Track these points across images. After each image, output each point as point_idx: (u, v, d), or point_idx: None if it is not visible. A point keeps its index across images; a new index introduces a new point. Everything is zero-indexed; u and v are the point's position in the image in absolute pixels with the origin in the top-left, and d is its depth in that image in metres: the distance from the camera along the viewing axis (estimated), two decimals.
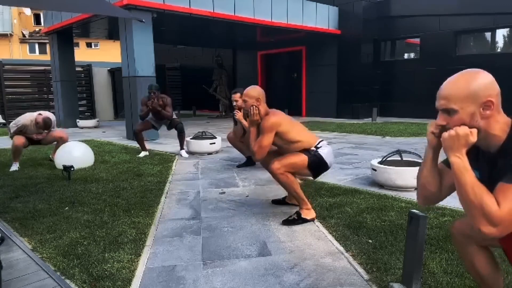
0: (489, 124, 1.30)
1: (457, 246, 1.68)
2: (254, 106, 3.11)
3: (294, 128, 3.15)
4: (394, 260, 2.35)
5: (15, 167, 5.28)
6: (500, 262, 1.65)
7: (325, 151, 3.12)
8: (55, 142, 5.71)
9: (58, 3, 3.49)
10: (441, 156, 1.48)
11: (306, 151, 3.09)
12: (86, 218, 3.24)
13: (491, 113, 1.29)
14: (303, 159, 3.05)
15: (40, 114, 5.31)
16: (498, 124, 1.30)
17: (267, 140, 3.03)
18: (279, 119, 3.08)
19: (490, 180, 1.30)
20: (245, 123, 4.72)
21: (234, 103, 5.01)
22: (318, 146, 3.13)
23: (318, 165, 3.10)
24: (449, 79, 1.36)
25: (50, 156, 5.82)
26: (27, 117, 5.33)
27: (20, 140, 5.28)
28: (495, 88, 1.30)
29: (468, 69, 1.35)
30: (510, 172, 1.22)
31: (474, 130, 1.28)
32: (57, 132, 5.68)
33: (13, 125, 5.32)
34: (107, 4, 3.88)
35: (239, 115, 4.80)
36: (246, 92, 3.20)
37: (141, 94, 7.60)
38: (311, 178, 3.46)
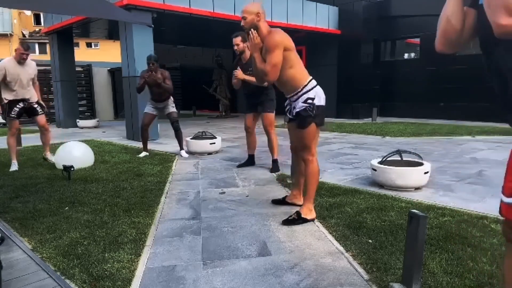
0: None
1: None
2: (253, 30, 2.99)
3: (295, 52, 3.07)
4: (394, 260, 2.35)
5: (14, 167, 5.28)
6: (500, 263, 1.64)
7: (320, 98, 3.04)
8: (44, 142, 5.80)
9: (64, 6, 3.47)
10: None
11: (309, 117, 2.99)
12: (86, 218, 3.24)
13: None
14: (312, 130, 3.03)
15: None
16: None
17: (278, 57, 2.93)
18: (284, 35, 3.01)
19: None
20: (248, 78, 4.63)
21: (235, 48, 4.82)
22: (307, 87, 3.02)
23: (321, 118, 3.07)
24: None
25: (44, 155, 5.81)
26: (4, 60, 5.29)
27: (14, 125, 5.34)
28: None
29: None
30: None
31: None
32: (43, 119, 5.65)
33: None
34: (115, 8, 3.87)
35: (240, 74, 4.72)
36: (244, 8, 3.05)
37: (141, 94, 7.59)
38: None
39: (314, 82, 3.10)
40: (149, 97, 6.12)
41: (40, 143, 7.57)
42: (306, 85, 3.04)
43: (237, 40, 4.75)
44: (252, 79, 4.26)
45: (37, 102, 5.56)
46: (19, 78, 5.24)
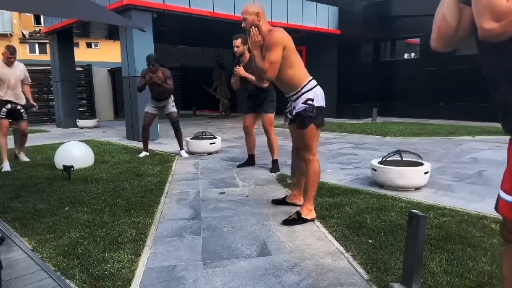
0: None
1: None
2: (253, 27, 2.99)
3: (295, 52, 3.07)
4: (394, 260, 2.35)
5: (6, 166, 5.27)
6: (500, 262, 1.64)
7: (318, 100, 3.03)
8: (19, 143, 5.86)
9: (60, 10, 3.49)
10: None
11: (309, 118, 2.99)
12: (86, 218, 3.24)
13: None
14: (312, 131, 3.03)
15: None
16: None
17: (277, 54, 2.92)
18: (285, 35, 3.01)
19: None
20: (250, 76, 4.60)
21: (236, 49, 4.83)
22: (307, 87, 3.02)
23: (321, 119, 3.08)
24: None
25: (16, 153, 5.89)
26: None
27: (4, 124, 5.36)
28: None
29: None
30: None
31: None
32: (25, 124, 5.70)
33: None
34: (109, 12, 3.90)
35: (241, 70, 4.69)
36: (244, 9, 3.05)
37: (141, 94, 7.59)
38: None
39: (314, 82, 3.09)
40: (150, 96, 6.13)
41: (38, 143, 7.60)
42: (305, 85, 3.04)
43: (237, 42, 4.77)
44: (253, 77, 4.26)
45: (24, 106, 5.62)
46: (8, 79, 5.32)
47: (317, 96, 3.04)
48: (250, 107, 5.06)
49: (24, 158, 5.89)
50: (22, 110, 5.60)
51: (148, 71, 5.82)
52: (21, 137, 5.83)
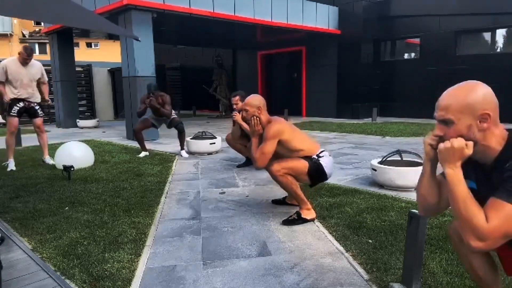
0: (485, 136, 1.31)
1: (456, 248, 1.68)
2: (255, 117, 3.12)
3: (296, 136, 3.15)
4: (394, 260, 2.35)
5: (12, 165, 5.27)
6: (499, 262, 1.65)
7: (326, 161, 3.13)
8: (41, 144, 5.82)
9: (57, 17, 3.50)
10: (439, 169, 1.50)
11: (307, 157, 3.10)
12: (86, 218, 3.24)
13: (488, 126, 1.30)
14: (303, 164, 3.05)
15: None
16: (495, 137, 1.32)
17: (270, 147, 3.02)
18: (282, 127, 3.08)
19: (485, 192, 1.31)
20: (244, 125, 4.69)
21: (234, 106, 5.02)
22: (320, 155, 3.13)
23: (317, 173, 3.11)
24: (448, 89, 1.38)
25: (43, 158, 5.79)
26: (8, 59, 5.35)
27: (13, 123, 5.35)
28: (493, 100, 1.31)
29: (467, 81, 1.36)
30: (502, 187, 1.23)
31: (470, 143, 1.30)
32: (40, 120, 5.66)
33: None
34: (105, 21, 3.93)
35: (237, 117, 4.79)
36: (246, 101, 3.21)
37: (141, 94, 7.58)
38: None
39: (325, 153, 3.19)
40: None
41: (38, 143, 7.57)
42: (318, 154, 3.14)
43: (235, 99, 5.00)
44: (247, 127, 4.28)
45: (39, 104, 5.58)
46: (21, 78, 5.29)
47: (326, 160, 3.14)
48: (243, 134, 5.03)
49: (49, 160, 5.70)
50: (37, 107, 5.55)
51: (148, 97, 5.96)
52: (38, 135, 5.74)
